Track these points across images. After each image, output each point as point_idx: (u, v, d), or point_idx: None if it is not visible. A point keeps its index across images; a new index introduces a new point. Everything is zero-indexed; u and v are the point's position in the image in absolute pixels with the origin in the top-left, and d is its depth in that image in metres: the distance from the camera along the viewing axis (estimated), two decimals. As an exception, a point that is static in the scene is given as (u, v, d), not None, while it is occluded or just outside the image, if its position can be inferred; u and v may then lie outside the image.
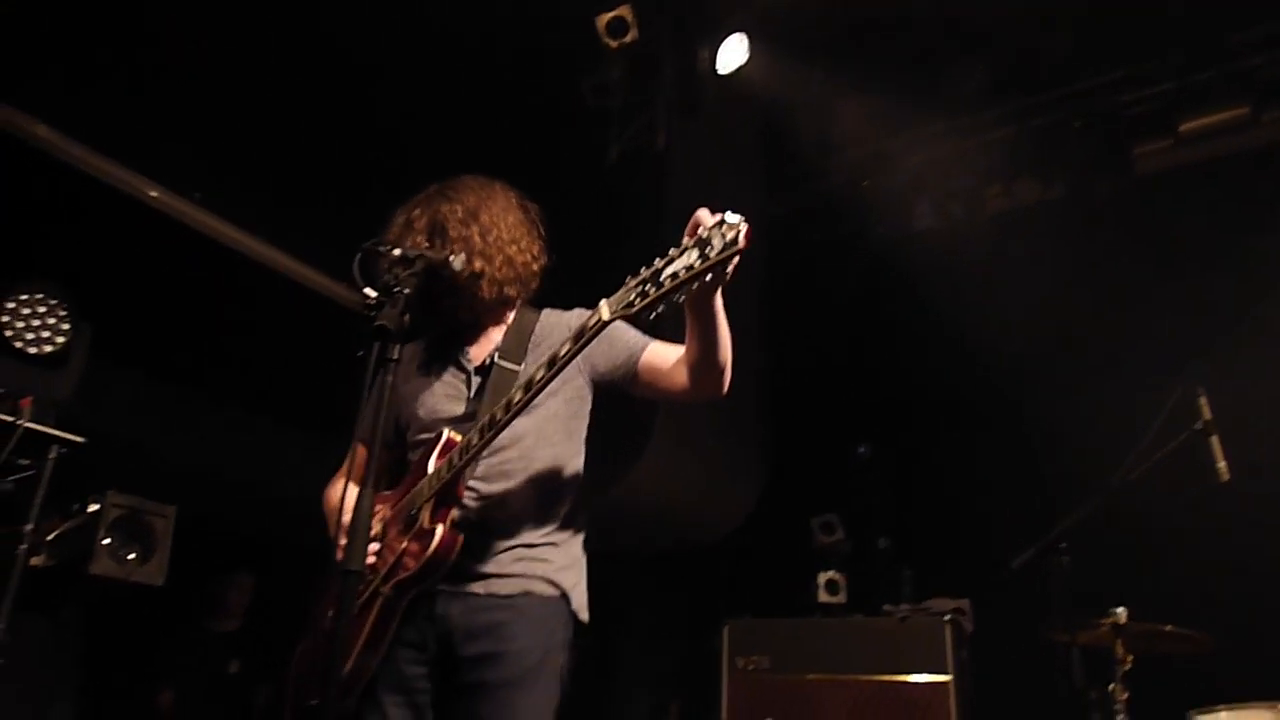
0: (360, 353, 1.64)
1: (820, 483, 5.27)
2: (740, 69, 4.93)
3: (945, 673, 3.40)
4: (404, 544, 2.01)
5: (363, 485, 1.61)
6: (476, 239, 2.11)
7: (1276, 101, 5.06)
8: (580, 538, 2.18)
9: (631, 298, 1.78)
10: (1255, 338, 4.41)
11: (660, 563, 5.45)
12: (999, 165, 5.55)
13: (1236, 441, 3.20)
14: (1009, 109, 5.42)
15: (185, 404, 5.02)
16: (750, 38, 4.93)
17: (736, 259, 1.69)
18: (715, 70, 4.90)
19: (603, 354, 2.14)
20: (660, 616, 5.41)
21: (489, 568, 2.03)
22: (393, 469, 2.26)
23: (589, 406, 2.20)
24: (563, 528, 2.12)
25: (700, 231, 1.72)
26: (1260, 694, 3.06)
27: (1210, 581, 4.02)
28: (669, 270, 1.73)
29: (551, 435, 2.13)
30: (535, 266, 2.22)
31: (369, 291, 1.71)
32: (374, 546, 2.05)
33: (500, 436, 2.00)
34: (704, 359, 1.97)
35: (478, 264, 2.10)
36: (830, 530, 4.83)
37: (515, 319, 2.25)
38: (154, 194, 4.20)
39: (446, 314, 2.15)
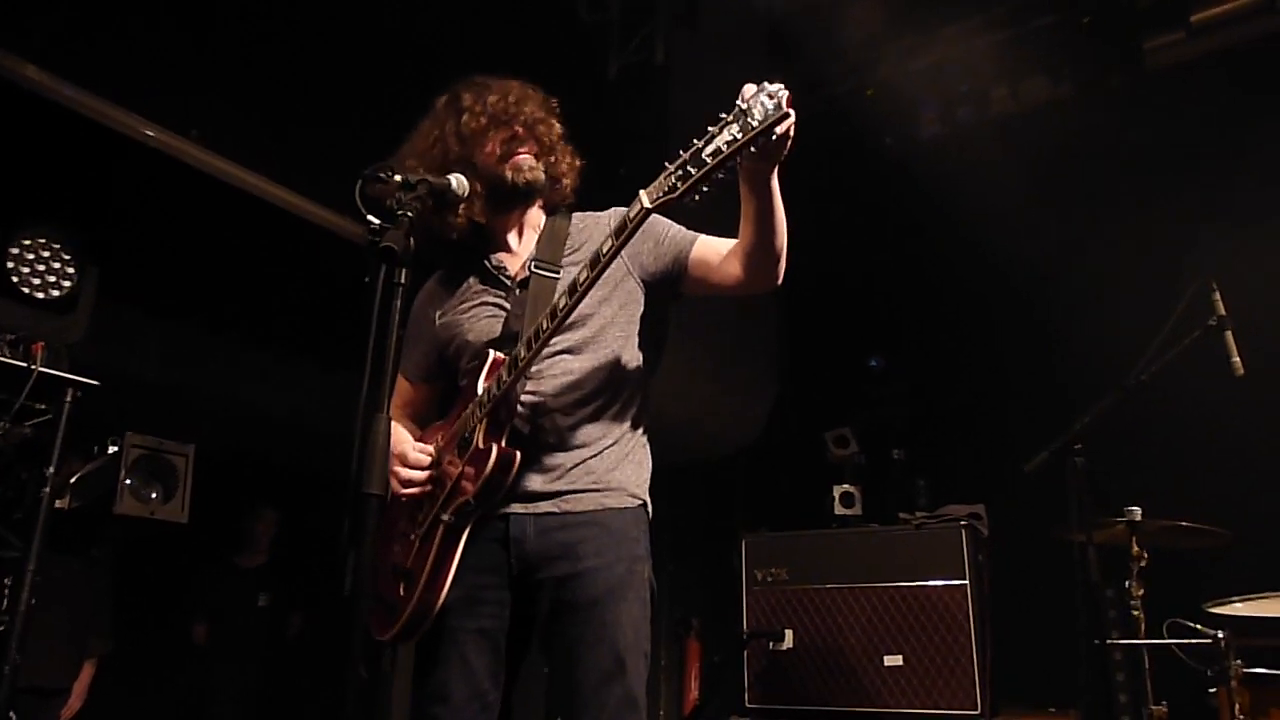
0: (367, 279, 1.61)
1: (833, 395, 5.28)
2: (739, -24, 4.79)
3: (962, 577, 3.45)
4: (460, 468, 1.98)
5: (379, 409, 1.59)
6: (545, 132, 2.09)
7: (1295, -14, 4.90)
8: (645, 439, 2.12)
9: (673, 181, 1.72)
10: (1271, 230, 4.35)
11: (675, 477, 5.50)
12: (1005, 67, 5.40)
13: (1251, 335, 3.18)
14: (1013, 7, 5.26)
15: (195, 342, 5.02)
16: (749, -57, 4.77)
17: (783, 127, 1.63)
18: (714, -21, 4.77)
19: (650, 251, 2.08)
20: (676, 531, 5.48)
21: (558, 484, 1.98)
22: (442, 401, 2.23)
23: (643, 309, 2.11)
24: (630, 433, 2.06)
25: (740, 104, 1.65)
26: (1275, 584, 3.10)
27: (1225, 476, 4.06)
28: (710, 148, 1.67)
29: (609, 341, 2.06)
30: (576, 164, 2.18)
31: (371, 219, 1.68)
32: (427, 474, 2.03)
33: (554, 346, 1.97)
34: (760, 245, 1.90)
35: (550, 162, 2.09)
36: (844, 443, 4.86)
37: (547, 225, 2.18)
38: (150, 133, 4.13)
39: (461, 231, 2.09)
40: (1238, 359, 3.18)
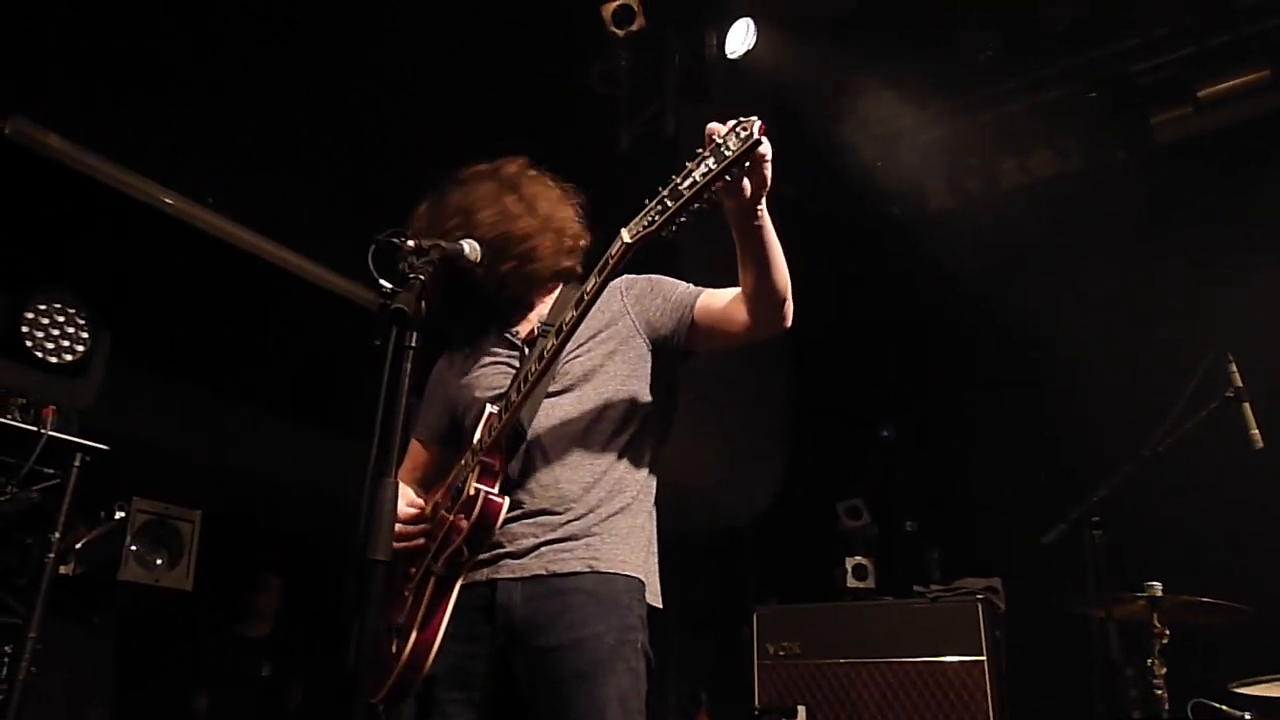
0: (378, 342, 1.61)
1: (845, 466, 5.23)
2: (748, 53, 4.89)
3: (980, 653, 3.37)
4: (451, 518, 1.95)
5: (385, 474, 1.58)
6: (530, 205, 2.08)
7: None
8: (652, 520, 2.06)
9: (652, 216, 1.75)
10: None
11: (685, 549, 5.43)
12: (1013, 139, 5.48)
13: (1268, 408, 3.15)
14: (1021, 82, 5.34)
15: (206, 407, 5.03)
16: (757, 21, 4.88)
17: (760, 154, 1.68)
18: (724, 55, 4.87)
19: (657, 309, 2.07)
20: (685, 604, 5.38)
21: (549, 544, 1.93)
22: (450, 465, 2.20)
23: (649, 367, 2.07)
24: (632, 503, 2.00)
25: (714, 138, 1.70)
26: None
27: (1244, 551, 3.98)
28: (686, 182, 1.71)
29: (612, 395, 2.02)
30: (582, 240, 2.16)
31: (384, 283, 1.69)
32: (418, 528, 2.00)
33: (554, 398, 1.96)
34: (761, 287, 1.89)
35: (540, 225, 2.06)
36: (856, 514, 4.80)
37: (562, 291, 2.18)
38: (168, 200, 4.20)
39: (479, 301, 2.09)
40: (1256, 431, 3.15)
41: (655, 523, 2.09)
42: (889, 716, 3.42)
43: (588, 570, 1.91)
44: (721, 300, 2.02)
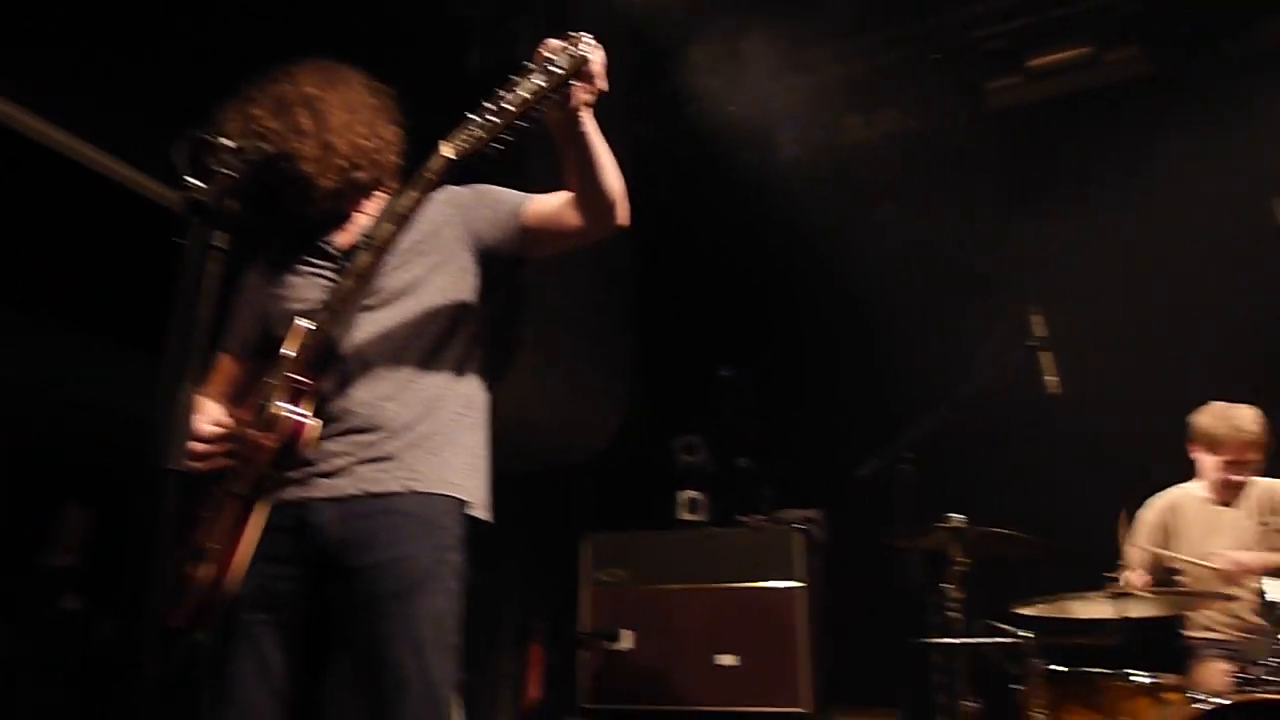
0: (177, 239, 1.51)
1: (684, 404, 5.36)
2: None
3: (797, 579, 3.55)
4: (257, 437, 1.87)
5: (179, 379, 1.49)
6: (321, 121, 1.95)
7: (1119, 42, 5.32)
8: (478, 434, 2.03)
9: (475, 131, 1.73)
10: (1086, 265, 4.71)
11: (525, 483, 5.46)
12: (860, 96, 5.67)
13: (1066, 357, 3.42)
14: (870, 40, 5.52)
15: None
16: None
17: (590, 70, 1.68)
18: (586, -14, 4.79)
19: (484, 219, 2.03)
20: (525, 536, 5.43)
21: (364, 463, 1.89)
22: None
23: (476, 281, 2.05)
24: (455, 420, 1.97)
25: (545, 54, 1.69)
26: (1081, 587, 3.31)
27: (1040, 487, 4.35)
28: (512, 96, 1.69)
29: (432, 312, 1.98)
30: (391, 153, 2.06)
31: (191, 180, 1.58)
32: (219, 447, 1.91)
33: (372, 313, 1.91)
34: (588, 188, 1.89)
35: (318, 148, 1.94)
36: (693, 450, 4.94)
37: (386, 202, 2.07)
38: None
39: (297, 207, 1.99)
40: (1053, 378, 3.41)
41: (485, 437, 2.07)
42: (711, 638, 3.57)
43: (405, 490, 1.89)
44: (552, 204, 2.01)
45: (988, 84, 5.58)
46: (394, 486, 1.89)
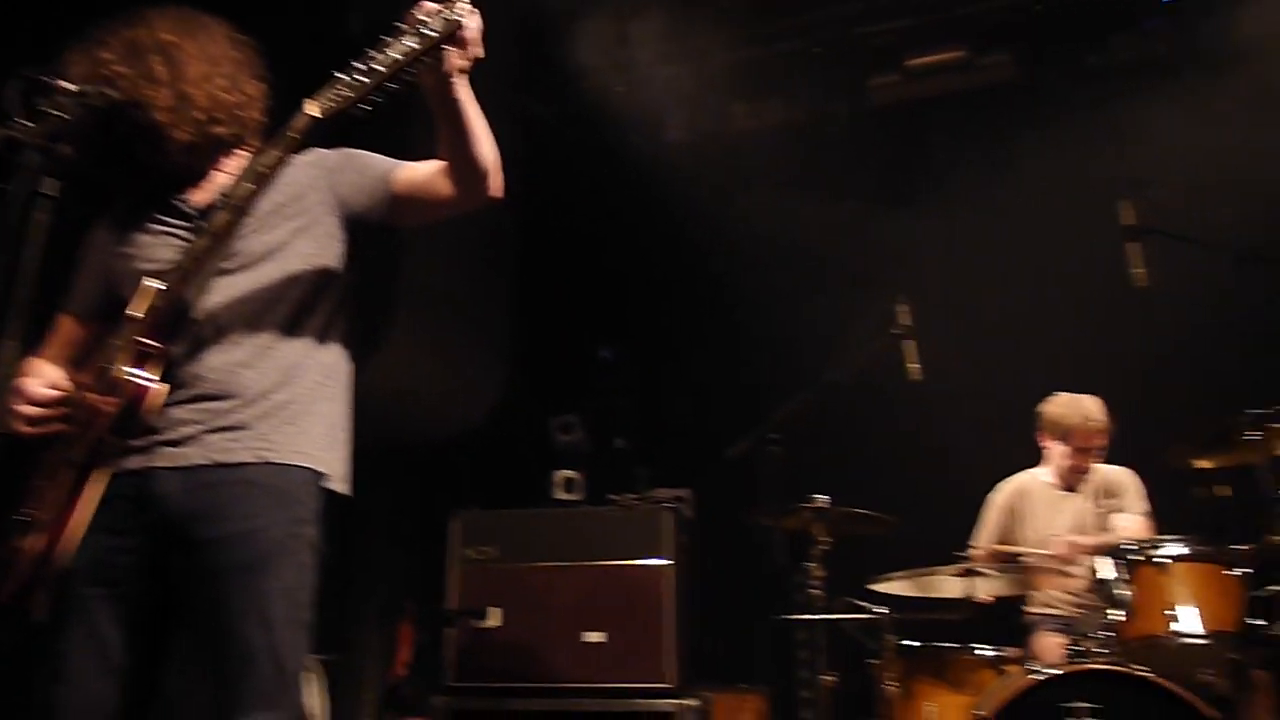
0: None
1: (563, 383, 5.36)
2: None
3: (664, 557, 3.60)
4: (96, 402, 1.78)
5: (2, 337, 1.40)
6: (177, 69, 1.86)
7: (990, 48, 5.56)
8: (338, 405, 1.97)
9: (341, 90, 1.68)
10: (952, 258, 4.93)
11: (397, 458, 5.36)
12: (747, 85, 5.75)
13: (927, 346, 3.57)
14: (759, 30, 5.60)
15: None
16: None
17: (465, 36, 1.66)
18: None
19: (352, 184, 1.97)
20: (397, 514, 5.33)
21: (213, 431, 1.81)
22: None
23: (342, 247, 1.98)
24: (314, 390, 1.91)
25: (419, 16, 1.65)
26: (935, 564, 3.47)
27: (899, 469, 4.55)
28: (382, 57, 1.66)
29: (293, 278, 1.91)
30: (253, 110, 1.98)
31: (18, 120, 1.47)
32: (54, 411, 1.81)
33: (228, 276, 1.83)
34: (461, 157, 1.85)
35: (173, 98, 1.84)
36: (569, 430, 4.93)
37: (246, 161, 1.98)
38: None
39: (148, 160, 1.88)
40: (915, 365, 3.56)
41: (347, 408, 2.02)
42: (580, 616, 3.59)
43: (258, 460, 1.83)
44: (423, 172, 1.96)
45: (869, 80, 5.75)
46: (246, 456, 1.82)
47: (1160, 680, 2.80)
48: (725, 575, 4.27)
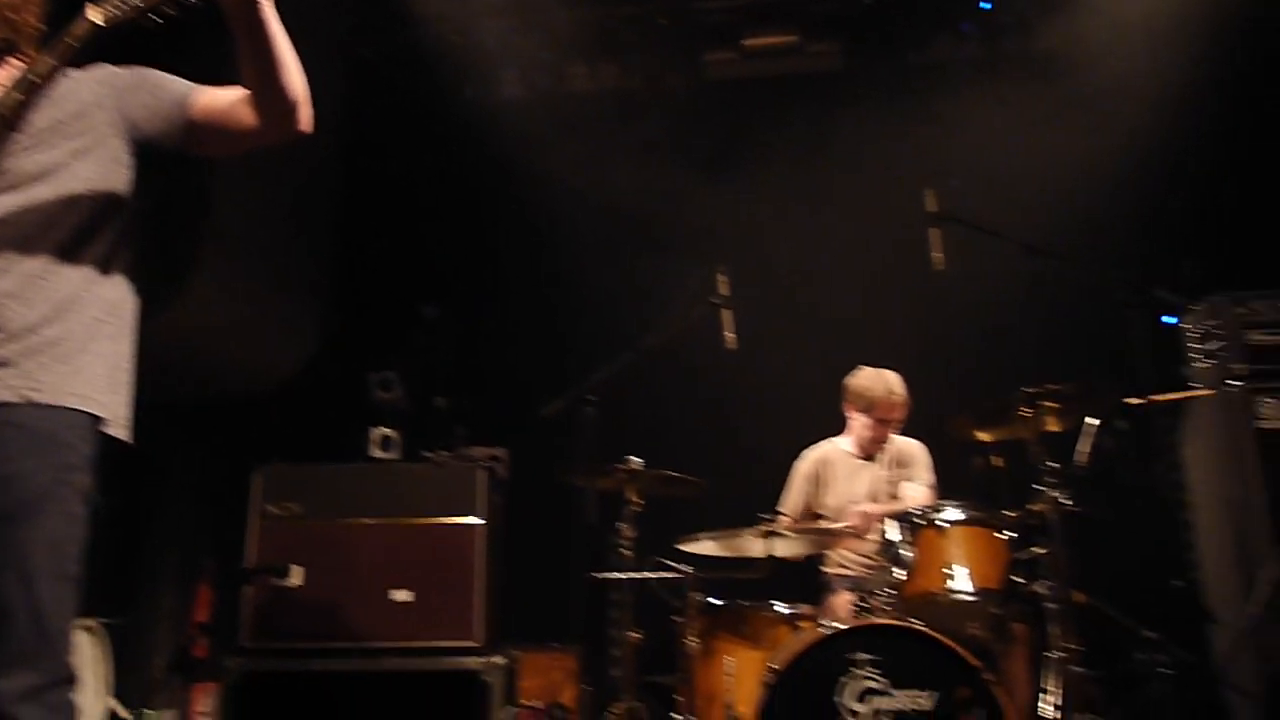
0: None
1: (383, 339, 5.21)
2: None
3: (476, 515, 3.58)
4: None
5: None
6: None
7: (821, 36, 5.77)
8: (121, 344, 1.85)
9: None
10: (771, 234, 5.12)
11: (202, 412, 5.07)
12: (586, 46, 5.73)
13: (744, 316, 3.69)
14: (601, -9, 5.58)
15: None
16: None
17: None
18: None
19: (144, 105, 1.83)
20: (200, 470, 5.06)
21: None
22: None
23: (129, 173, 1.85)
24: (87, 323, 1.78)
25: None
26: (738, 524, 3.60)
27: (710, 434, 4.70)
28: None
29: (71, 203, 1.77)
30: (28, 14, 1.82)
31: None
32: None
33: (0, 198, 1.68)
34: (266, 86, 1.76)
35: None
36: (388, 387, 4.80)
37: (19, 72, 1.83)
38: None
39: None
40: (731, 334, 3.66)
41: (131, 348, 1.89)
42: (387, 574, 3.52)
43: (21, 401, 1.69)
44: (224, 99, 1.85)
45: (705, 55, 5.85)
46: (7, 396, 1.69)
47: (933, 633, 3.02)
48: (540, 534, 4.29)
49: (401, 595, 3.49)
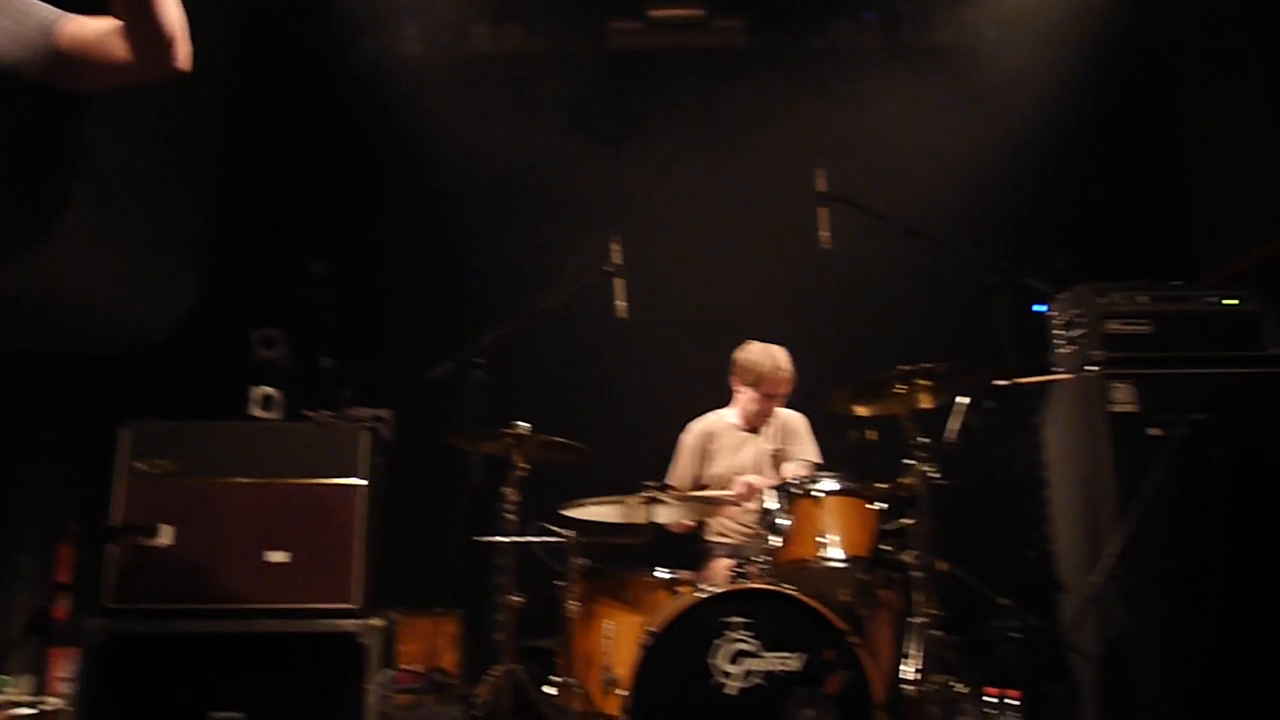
0: None
1: (267, 295, 5.05)
2: None
3: (358, 476, 3.52)
4: None
5: None
6: None
7: (726, 11, 5.81)
8: None
9: None
10: (667, 205, 5.16)
11: (70, 364, 4.83)
12: (491, 6, 5.64)
13: (636, 286, 3.71)
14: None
15: None
16: None
17: None
18: None
19: (3, 30, 1.72)
20: (65, 425, 4.82)
21: None
22: None
23: None
24: None
25: None
26: (625, 491, 3.65)
27: (597, 401, 4.74)
28: None
29: None
30: None
31: None
32: None
33: None
34: (138, 19, 1.68)
35: None
36: (271, 344, 4.65)
37: None
38: None
39: None
40: (623, 303, 3.69)
41: None
42: (263, 535, 3.43)
43: None
44: (95, 29, 1.76)
45: (611, 23, 5.82)
46: None
47: (802, 597, 3.14)
48: (424, 498, 4.26)
49: (277, 556, 3.41)
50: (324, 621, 3.39)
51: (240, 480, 3.49)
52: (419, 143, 5.09)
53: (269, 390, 4.36)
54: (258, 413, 4.30)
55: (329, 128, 5.42)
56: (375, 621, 3.42)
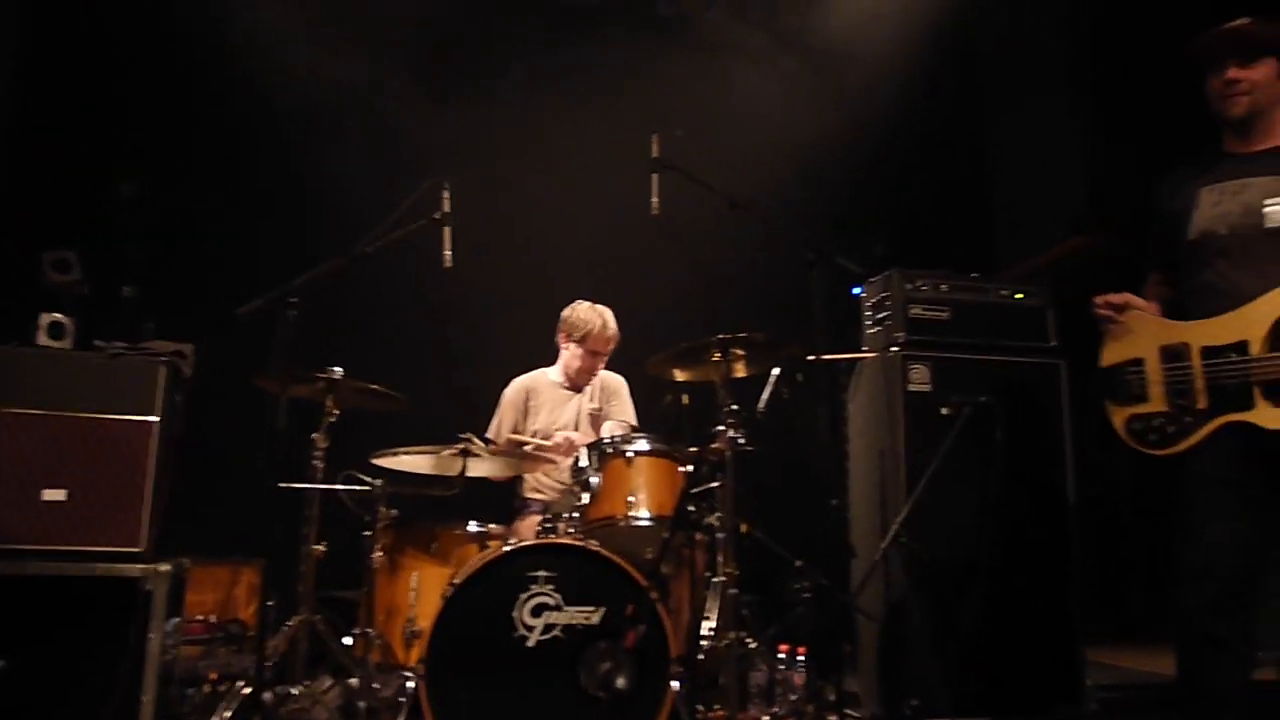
0: None
1: (64, 214, 4.65)
2: None
3: (152, 413, 3.31)
4: None
5: None
6: None
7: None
8: None
9: None
10: (504, 157, 5.10)
11: None
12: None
13: (464, 236, 3.65)
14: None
15: None
16: None
17: None
18: None
19: None
20: None
21: None
22: None
23: None
24: None
25: None
26: (440, 442, 3.60)
27: (416, 349, 4.64)
28: None
29: None
30: None
31: None
32: None
33: None
34: None
35: None
36: (64, 268, 4.30)
37: None
38: None
39: None
40: (449, 253, 3.62)
41: None
42: (39, 472, 3.17)
43: None
44: None
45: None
46: None
47: (605, 553, 3.21)
48: (227, 440, 4.08)
49: (55, 494, 3.18)
50: (104, 565, 3.19)
51: (15, 410, 3.22)
52: (249, 63, 4.80)
53: (59, 317, 4.04)
54: (45, 341, 3.99)
55: (148, 43, 5.01)
56: (163, 567, 3.25)
